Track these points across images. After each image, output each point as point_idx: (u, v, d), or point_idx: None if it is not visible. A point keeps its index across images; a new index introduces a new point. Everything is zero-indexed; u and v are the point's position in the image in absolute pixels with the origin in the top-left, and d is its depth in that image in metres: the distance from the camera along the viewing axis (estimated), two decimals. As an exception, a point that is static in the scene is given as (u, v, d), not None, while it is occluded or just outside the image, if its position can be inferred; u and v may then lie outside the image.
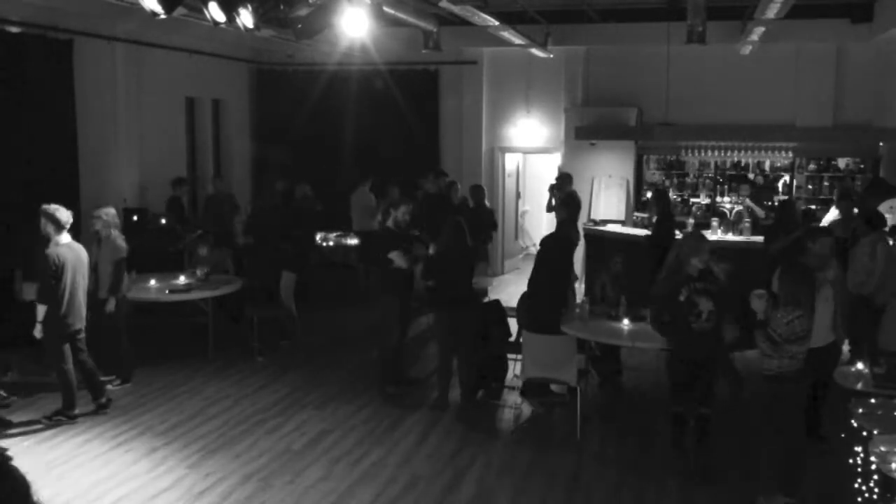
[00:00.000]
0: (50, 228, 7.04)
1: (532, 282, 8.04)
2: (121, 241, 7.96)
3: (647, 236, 11.00)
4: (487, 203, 12.14)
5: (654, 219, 11.07)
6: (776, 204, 12.04)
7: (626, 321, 7.45)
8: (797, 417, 5.61)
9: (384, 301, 8.17)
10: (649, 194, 12.56)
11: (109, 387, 7.88)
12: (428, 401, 7.88)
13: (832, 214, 10.72)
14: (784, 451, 5.59)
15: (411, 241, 8.23)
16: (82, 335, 7.34)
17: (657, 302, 6.28)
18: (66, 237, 7.14)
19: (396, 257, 7.93)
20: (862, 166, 12.57)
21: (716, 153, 13.01)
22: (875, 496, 4.84)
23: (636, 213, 12.87)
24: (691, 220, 11.81)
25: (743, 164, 13.14)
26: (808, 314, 5.51)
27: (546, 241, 8.29)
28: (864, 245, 7.80)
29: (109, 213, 8.03)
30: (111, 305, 7.88)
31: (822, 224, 10.12)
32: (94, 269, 7.78)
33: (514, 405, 7.82)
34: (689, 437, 6.32)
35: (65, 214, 7.08)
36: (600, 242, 11.85)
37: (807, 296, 5.57)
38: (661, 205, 10.94)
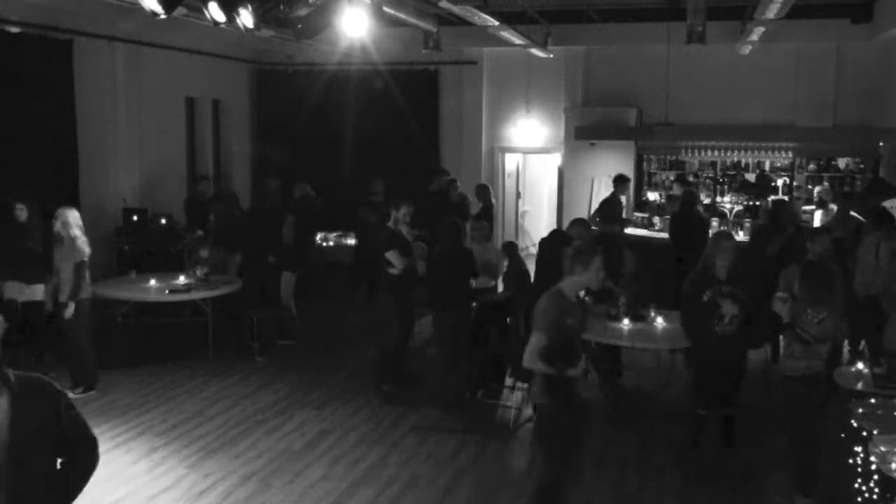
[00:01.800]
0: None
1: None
2: (81, 243, 7.63)
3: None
4: (494, 201, 12.12)
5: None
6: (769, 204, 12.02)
7: (626, 321, 7.44)
8: (815, 417, 5.62)
9: (384, 300, 8.17)
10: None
11: (71, 395, 7.29)
12: (427, 400, 7.87)
13: (819, 216, 10.74)
14: (802, 451, 5.60)
15: (409, 241, 8.22)
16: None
17: (683, 303, 6.23)
18: None
19: (393, 257, 7.93)
20: (862, 166, 12.56)
21: (716, 153, 13.01)
22: (875, 496, 4.83)
23: (636, 214, 12.87)
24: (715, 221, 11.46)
25: (743, 165, 13.14)
26: (833, 314, 5.52)
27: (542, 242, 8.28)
28: (867, 244, 7.81)
29: (71, 214, 7.70)
30: (70, 310, 7.62)
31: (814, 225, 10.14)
32: (56, 271, 7.67)
33: (514, 405, 7.81)
34: (706, 438, 6.35)
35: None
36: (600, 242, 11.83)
37: (829, 296, 5.58)
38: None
